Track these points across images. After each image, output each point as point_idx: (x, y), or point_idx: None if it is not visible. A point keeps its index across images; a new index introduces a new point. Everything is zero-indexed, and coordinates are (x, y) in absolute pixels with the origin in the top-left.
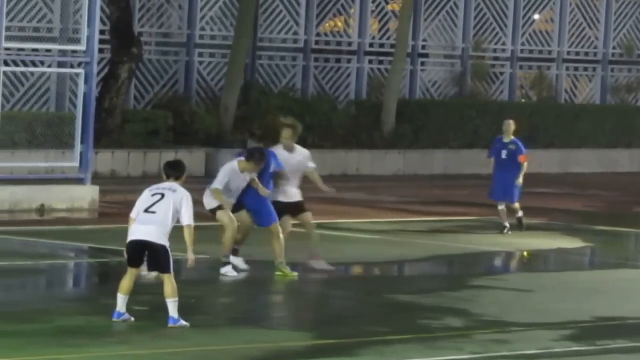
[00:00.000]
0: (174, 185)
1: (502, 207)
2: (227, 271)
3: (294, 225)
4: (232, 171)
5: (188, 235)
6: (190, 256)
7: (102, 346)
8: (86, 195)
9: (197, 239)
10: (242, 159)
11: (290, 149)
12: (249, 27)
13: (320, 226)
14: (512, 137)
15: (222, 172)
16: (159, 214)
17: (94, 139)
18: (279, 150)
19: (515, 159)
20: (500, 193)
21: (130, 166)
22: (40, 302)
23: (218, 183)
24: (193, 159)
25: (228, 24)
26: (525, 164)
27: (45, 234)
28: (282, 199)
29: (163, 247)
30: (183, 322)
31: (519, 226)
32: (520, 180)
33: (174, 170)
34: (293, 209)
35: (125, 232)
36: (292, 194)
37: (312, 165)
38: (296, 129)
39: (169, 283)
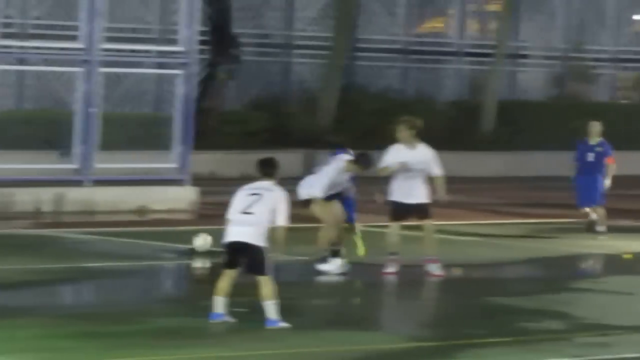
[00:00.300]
0: (270, 184)
1: (592, 211)
2: (327, 267)
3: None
4: (340, 170)
5: (280, 236)
6: (279, 256)
7: (198, 347)
8: (185, 196)
9: (296, 241)
10: (351, 158)
11: (410, 146)
12: (347, 28)
13: (418, 228)
14: (599, 139)
15: (333, 169)
16: (256, 214)
17: (193, 140)
18: (397, 147)
19: (602, 161)
20: (588, 198)
21: (228, 167)
22: (138, 303)
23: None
24: (291, 159)
25: (326, 25)
26: (614, 166)
27: (144, 235)
28: (406, 199)
29: (260, 249)
30: (283, 324)
31: (588, 229)
32: (608, 182)
33: (268, 168)
34: (417, 211)
35: (223, 233)
36: (417, 194)
37: (437, 171)
38: (408, 124)
39: (267, 285)
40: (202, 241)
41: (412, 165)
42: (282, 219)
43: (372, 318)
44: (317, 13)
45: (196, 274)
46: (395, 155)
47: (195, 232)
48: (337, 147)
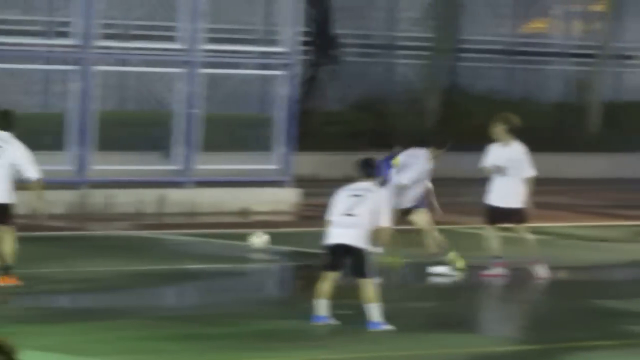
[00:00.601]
0: (371, 185)
1: None
2: (441, 270)
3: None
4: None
5: (382, 237)
6: (380, 258)
7: (299, 350)
8: (288, 197)
9: (398, 243)
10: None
11: (504, 144)
12: (450, 28)
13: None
14: None
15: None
16: (359, 216)
17: (295, 141)
18: (494, 147)
19: None
20: None
21: (330, 168)
22: (239, 305)
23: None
24: None
25: (429, 26)
26: None
27: (246, 236)
28: (500, 203)
29: (362, 251)
30: (386, 326)
31: None
32: None
33: (369, 169)
34: (510, 215)
35: (325, 235)
36: (510, 198)
37: (529, 171)
38: (503, 121)
39: (369, 287)
40: (257, 239)
41: (505, 165)
42: (384, 220)
43: (476, 320)
44: (420, 13)
45: (298, 276)
46: (491, 155)
47: (298, 234)
48: (419, 144)
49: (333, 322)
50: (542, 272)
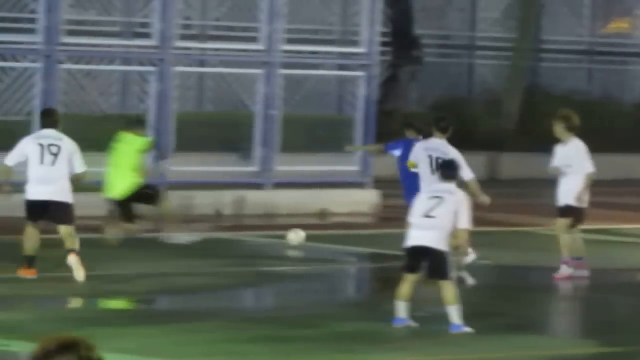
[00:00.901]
0: (451, 187)
1: None
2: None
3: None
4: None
5: (462, 238)
6: (461, 260)
7: (379, 352)
8: (367, 199)
9: (479, 245)
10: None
11: (564, 142)
12: (531, 29)
13: (601, 232)
14: None
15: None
16: (439, 218)
17: (375, 142)
18: (559, 146)
19: None
20: None
21: None
22: (318, 307)
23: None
24: (474, 162)
25: (510, 26)
26: None
27: (325, 238)
28: (559, 201)
29: (443, 253)
30: (467, 329)
31: None
32: None
33: (449, 171)
34: (568, 213)
35: (405, 237)
36: (566, 196)
37: (587, 167)
38: (560, 118)
39: (449, 290)
40: (294, 235)
41: (561, 163)
42: (464, 222)
43: (556, 323)
44: (500, 14)
45: (378, 278)
46: (556, 155)
47: (377, 236)
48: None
49: (412, 324)
50: (565, 272)
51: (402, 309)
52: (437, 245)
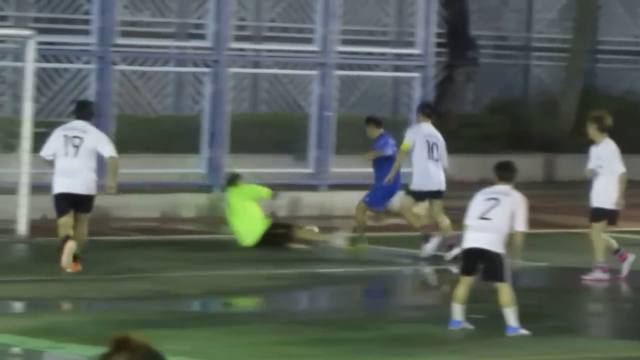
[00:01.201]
0: (508, 189)
1: None
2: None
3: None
4: None
5: (519, 241)
6: (518, 262)
7: (435, 354)
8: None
9: (534, 246)
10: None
11: (596, 143)
12: (587, 30)
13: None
14: None
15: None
16: (495, 220)
17: None
18: (592, 147)
19: None
20: None
21: (467, 171)
22: (373, 309)
23: None
24: (531, 164)
25: (566, 27)
26: None
27: (380, 240)
28: (592, 203)
29: (499, 255)
30: (523, 331)
31: None
32: None
33: (506, 172)
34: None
35: (461, 238)
36: (596, 197)
37: (617, 168)
38: (593, 119)
39: (506, 291)
40: (337, 238)
41: (594, 164)
42: (520, 224)
43: (611, 325)
44: (556, 14)
45: (433, 280)
46: (590, 156)
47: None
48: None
49: (468, 326)
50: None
51: (458, 311)
52: (493, 247)
